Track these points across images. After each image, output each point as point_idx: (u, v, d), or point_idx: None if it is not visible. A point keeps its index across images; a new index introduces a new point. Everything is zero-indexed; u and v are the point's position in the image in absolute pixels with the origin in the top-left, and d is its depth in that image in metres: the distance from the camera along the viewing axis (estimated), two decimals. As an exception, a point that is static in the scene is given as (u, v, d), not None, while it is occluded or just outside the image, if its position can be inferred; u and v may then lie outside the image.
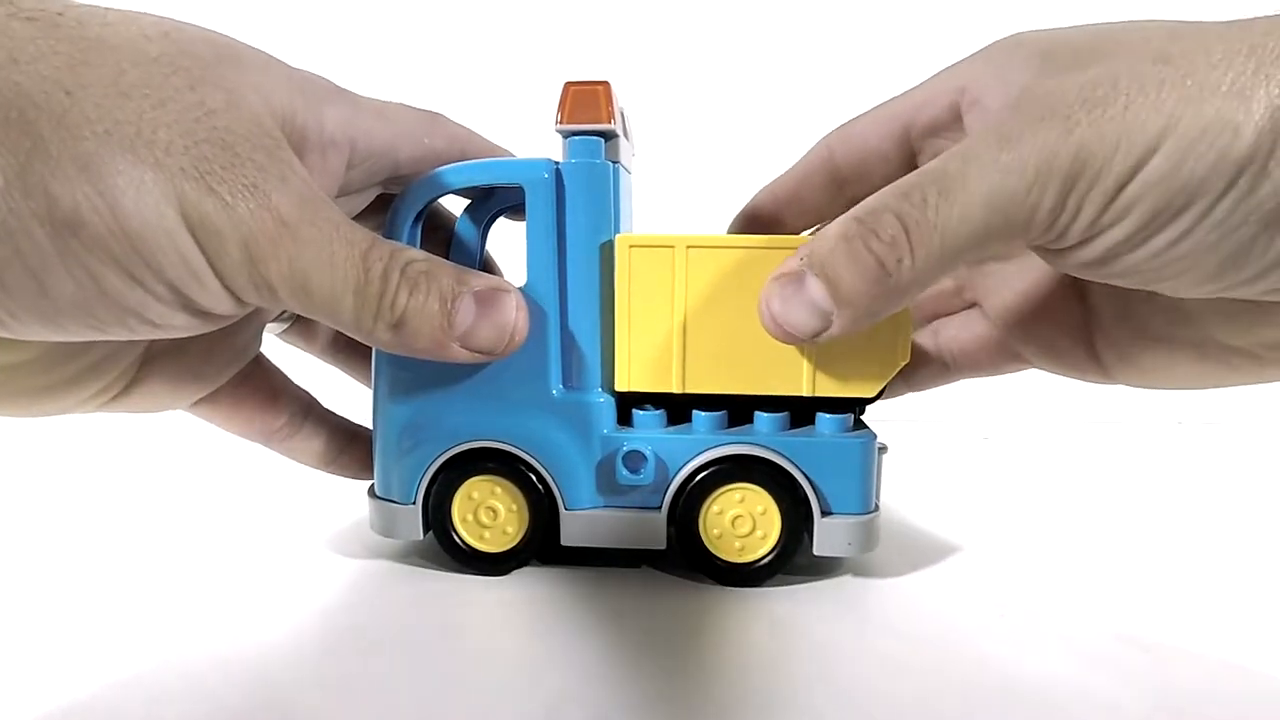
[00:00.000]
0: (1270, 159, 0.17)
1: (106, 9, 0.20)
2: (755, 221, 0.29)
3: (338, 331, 0.32)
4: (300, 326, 0.31)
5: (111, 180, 0.18)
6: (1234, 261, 0.18)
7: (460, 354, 0.23)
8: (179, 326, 0.21)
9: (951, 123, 0.25)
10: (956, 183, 0.20)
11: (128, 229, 0.18)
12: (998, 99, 0.22)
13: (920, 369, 0.31)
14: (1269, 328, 0.22)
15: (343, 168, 0.25)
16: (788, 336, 0.23)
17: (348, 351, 0.32)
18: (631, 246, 0.26)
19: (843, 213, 0.22)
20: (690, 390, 0.27)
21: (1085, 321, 0.26)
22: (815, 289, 0.21)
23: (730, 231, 0.30)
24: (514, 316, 0.24)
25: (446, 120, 0.27)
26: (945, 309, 0.32)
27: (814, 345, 0.24)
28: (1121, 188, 0.18)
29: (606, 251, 0.27)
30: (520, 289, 0.27)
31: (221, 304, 0.21)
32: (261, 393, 0.29)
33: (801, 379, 0.26)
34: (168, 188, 0.18)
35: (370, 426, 0.30)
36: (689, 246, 0.26)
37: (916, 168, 0.22)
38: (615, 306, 0.27)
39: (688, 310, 0.26)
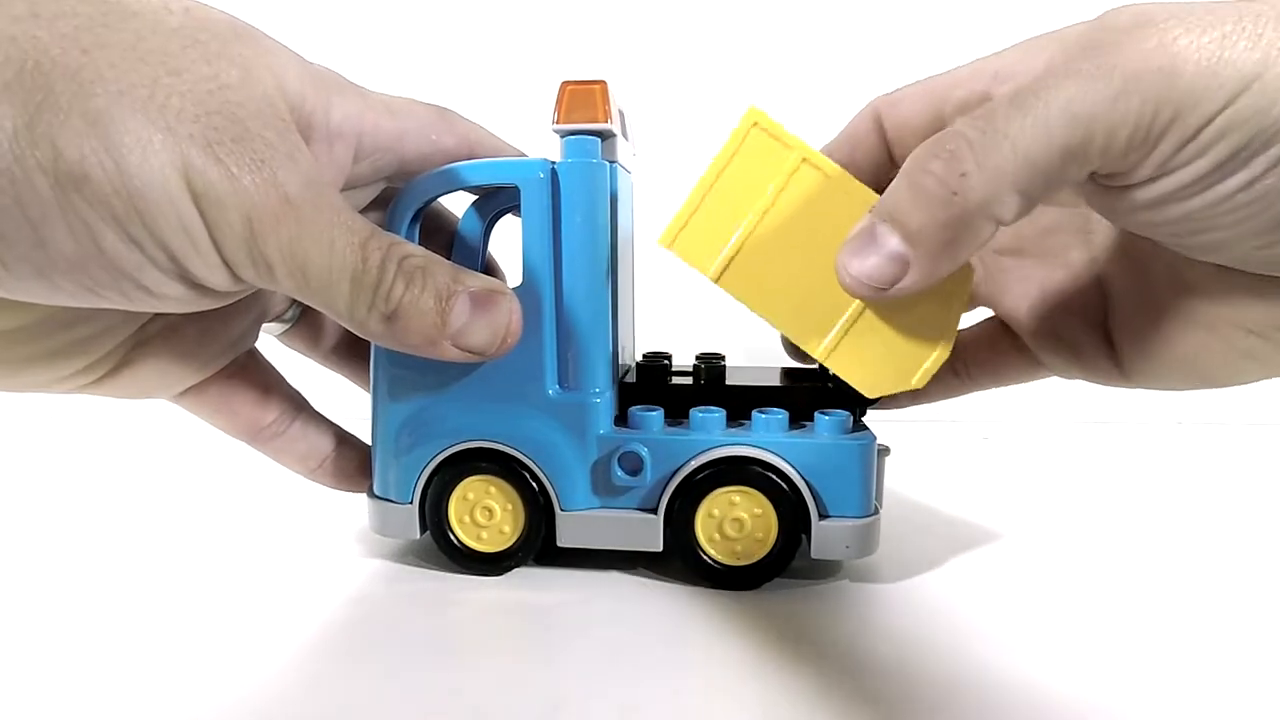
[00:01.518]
0: None
1: None
2: None
3: (341, 336, 0.32)
4: (302, 329, 0.31)
5: (119, 138, 0.18)
6: None
7: (452, 352, 0.23)
8: (174, 297, 0.21)
9: (983, 100, 0.23)
10: (1031, 93, 0.18)
11: (130, 188, 0.18)
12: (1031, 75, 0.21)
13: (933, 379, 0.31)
14: None
15: (349, 160, 0.25)
16: (869, 290, 0.22)
17: (350, 356, 0.32)
18: (756, 124, 0.25)
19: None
20: (724, 285, 0.26)
21: (1105, 311, 0.26)
22: (885, 235, 0.21)
23: None
24: (509, 319, 0.24)
25: (456, 116, 0.27)
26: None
27: (890, 299, 0.22)
28: (1211, 119, 0.17)
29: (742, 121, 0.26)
30: (516, 288, 0.27)
31: (217, 277, 0.20)
32: (252, 388, 0.29)
33: (822, 342, 0.25)
34: (175, 152, 0.18)
35: (361, 434, 0.30)
36: (804, 159, 0.25)
37: None
38: (707, 169, 0.26)
39: (769, 214, 0.25)
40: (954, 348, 0.28)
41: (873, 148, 0.26)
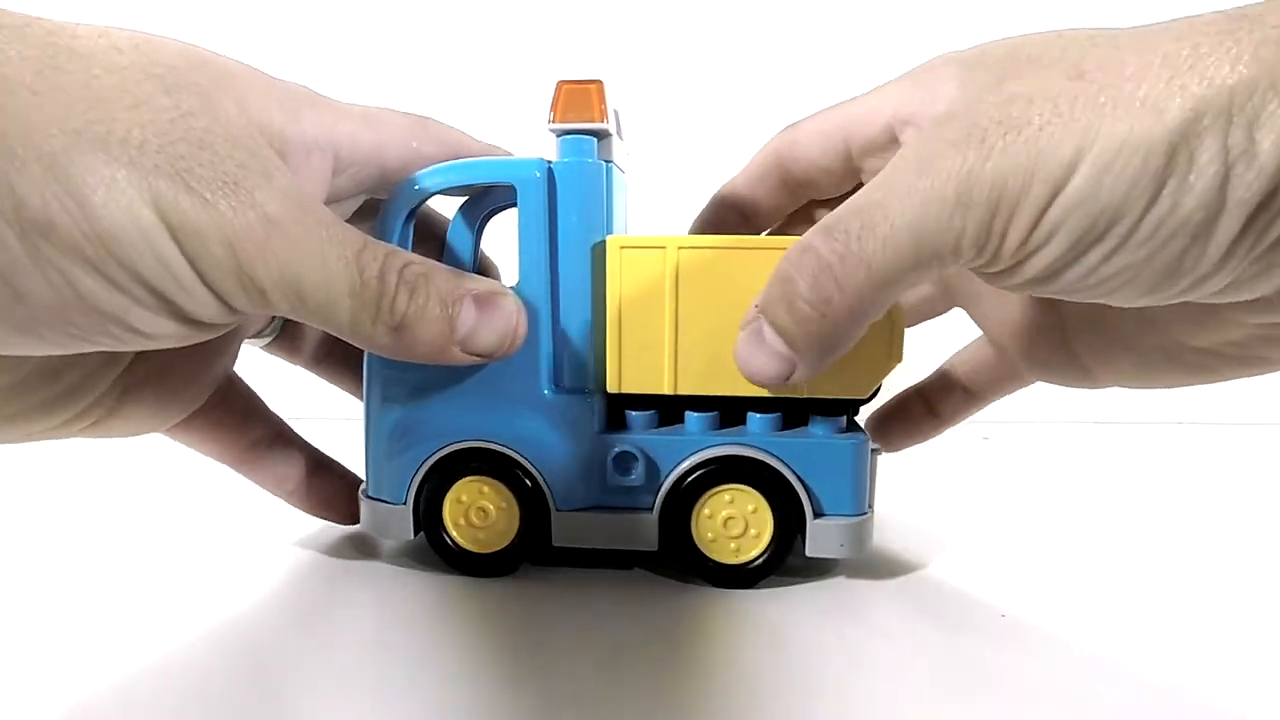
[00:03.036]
0: (1190, 171, 0.17)
1: (76, 23, 0.19)
2: (716, 225, 0.29)
3: (322, 341, 0.32)
4: (284, 338, 0.31)
5: (81, 179, 0.17)
6: (1169, 273, 0.18)
7: (461, 357, 0.23)
8: (169, 335, 0.20)
9: (888, 143, 0.24)
10: (879, 213, 0.20)
11: (100, 230, 0.17)
12: (927, 118, 0.22)
13: (945, 400, 0.32)
14: (1228, 327, 0.22)
15: (328, 173, 0.24)
16: (763, 384, 0.23)
17: (333, 361, 0.32)
18: (623, 248, 0.26)
19: (800, 210, 0.23)
20: (683, 392, 0.27)
21: (1062, 329, 0.27)
22: (771, 336, 0.22)
23: (691, 232, 0.30)
24: (515, 319, 0.24)
25: (436, 124, 0.27)
26: (931, 312, 0.32)
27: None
28: (1043, 211, 0.18)
29: (598, 252, 0.27)
30: (512, 288, 0.27)
31: (209, 309, 0.20)
32: (235, 413, 0.29)
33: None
34: (142, 186, 0.18)
35: (338, 460, 0.31)
36: (680, 248, 0.26)
37: (861, 183, 0.23)
38: (606, 308, 0.27)
39: (680, 311, 0.26)
40: (954, 364, 0.31)
41: (773, 188, 0.28)
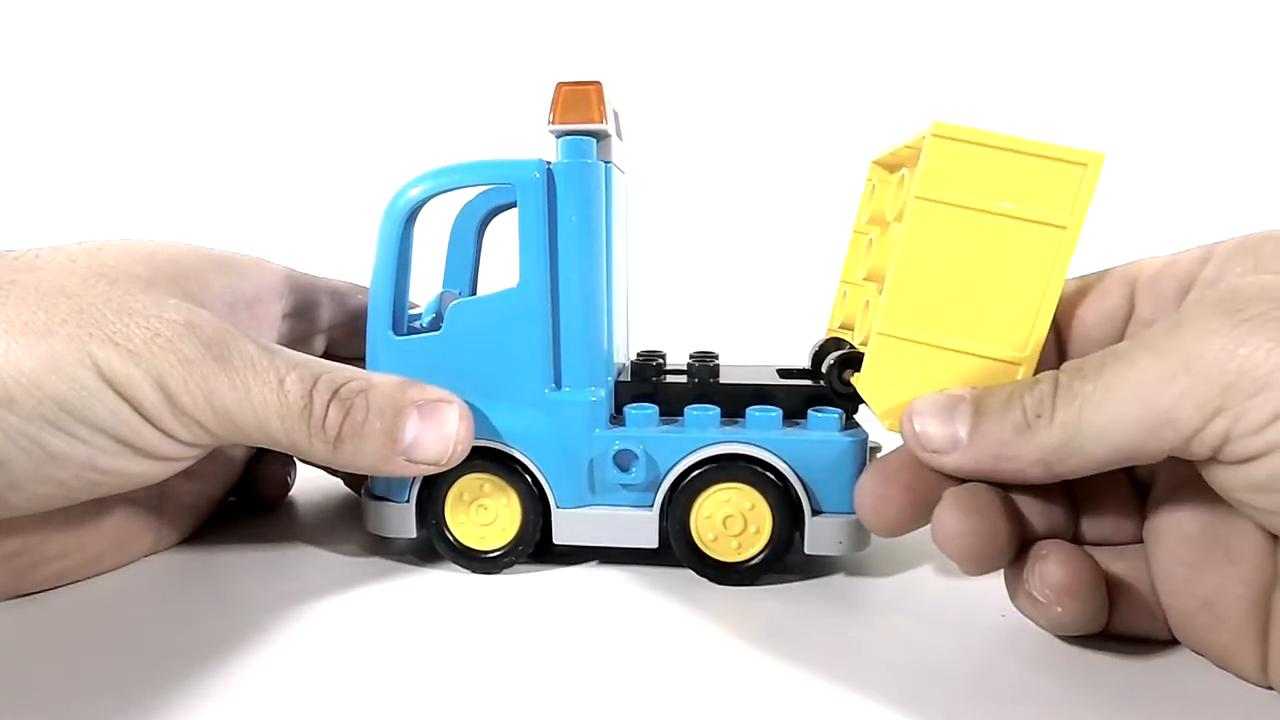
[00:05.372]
0: None
1: (39, 249, 0.24)
2: None
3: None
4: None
5: (32, 355, 0.21)
6: None
7: (406, 467, 0.25)
8: (141, 474, 0.24)
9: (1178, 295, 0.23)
10: (1112, 373, 0.19)
11: (55, 395, 0.21)
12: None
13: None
14: None
15: (277, 316, 0.30)
16: (914, 444, 0.23)
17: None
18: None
19: None
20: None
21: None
22: (962, 417, 0.22)
23: None
24: (456, 427, 0.25)
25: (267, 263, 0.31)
26: None
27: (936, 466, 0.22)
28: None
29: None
30: (512, 288, 0.27)
31: (164, 446, 0.23)
32: (277, 458, 0.34)
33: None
34: (81, 353, 0.21)
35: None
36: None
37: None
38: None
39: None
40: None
41: (1115, 309, 0.24)
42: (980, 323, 0.23)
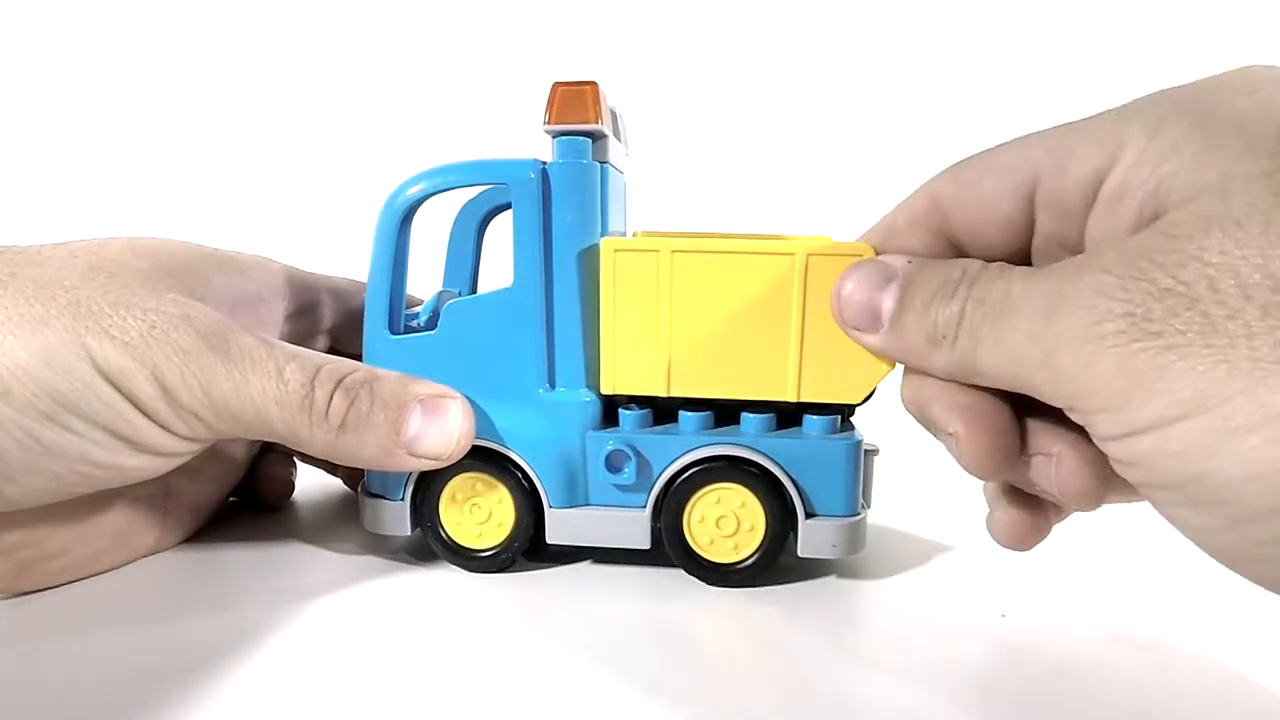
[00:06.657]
0: None
1: (43, 245, 0.24)
2: None
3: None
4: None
5: (28, 347, 0.21)
6: None
7: (408, 461, 0.25)
8: (137, 468, 0.24)
9: (1081, 209, 0.19)
10: (1006, 318, 0.19)
11: (50, 388, 0.21)
12: (1148, 207, 0.17)
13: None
14: None
15: (279, 315, 0.30)
16: (842, 312, 0.23)
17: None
18: (616, 250, 0.26)
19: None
20: (676, 394, 0.27)
21: None
22: (889, 292, 0.22)
23: None
24: (459, 423, 0.25)
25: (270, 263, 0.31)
26: None
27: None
28: None
29: (592, 255, 0.27)
30: (507, 288, 0.27)
31: (161, 439, 0.23)
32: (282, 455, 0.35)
33: (788, 384, 0.26)
34: (75, 344, 0.21)
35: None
36: (673, 251, 0.26)
37: (1031, 246, 0.21)
38: (601, 309, 0.27)
39: (674, 313, 0.26)
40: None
41: (926, 242, 0.23)
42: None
